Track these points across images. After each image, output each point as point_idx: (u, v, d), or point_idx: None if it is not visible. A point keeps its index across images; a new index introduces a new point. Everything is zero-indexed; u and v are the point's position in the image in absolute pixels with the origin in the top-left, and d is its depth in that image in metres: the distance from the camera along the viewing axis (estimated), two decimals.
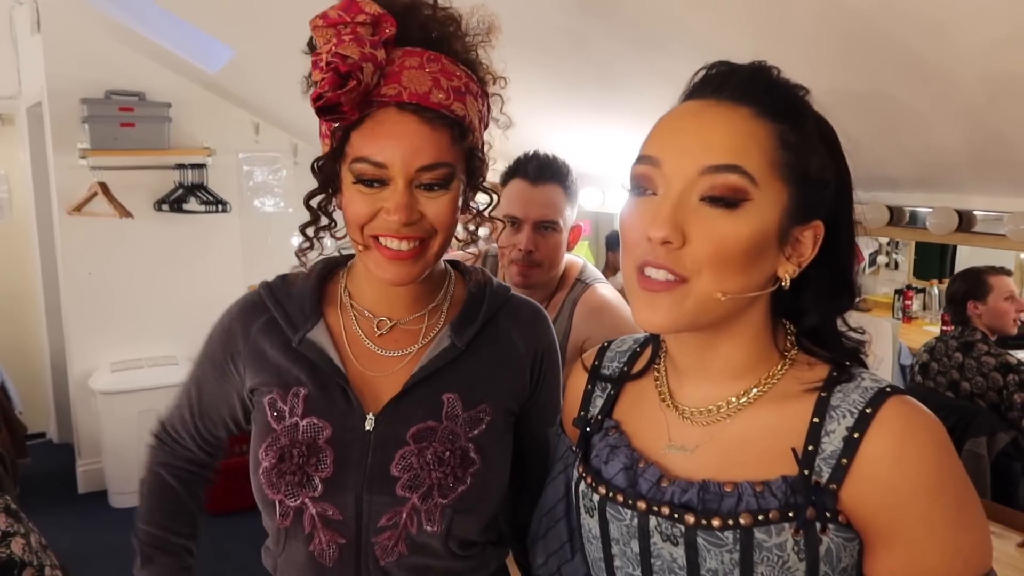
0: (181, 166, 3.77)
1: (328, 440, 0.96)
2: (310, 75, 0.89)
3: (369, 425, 0.97)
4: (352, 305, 1.04)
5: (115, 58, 3.65)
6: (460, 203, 0.95)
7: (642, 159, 0.74)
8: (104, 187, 3.59)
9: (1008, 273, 2.82)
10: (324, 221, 1.00)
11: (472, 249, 1.84)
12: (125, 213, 3.62)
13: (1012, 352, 2.73)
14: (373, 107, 0.88)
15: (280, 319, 1.02)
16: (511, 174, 1.65)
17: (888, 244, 4.61)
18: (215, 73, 3.36)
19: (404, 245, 0.91)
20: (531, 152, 1.65)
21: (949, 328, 2.81)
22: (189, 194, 3.79)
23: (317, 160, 0.96)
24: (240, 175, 4.02)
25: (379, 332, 1.02)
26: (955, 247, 4.15)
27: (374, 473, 0.95)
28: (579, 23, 1.48)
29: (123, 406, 3.62)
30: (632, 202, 0.75)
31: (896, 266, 4.79)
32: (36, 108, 3.91)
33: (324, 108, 0.85)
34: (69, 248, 3.75)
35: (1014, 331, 2.78)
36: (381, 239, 0.92)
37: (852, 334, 0.80)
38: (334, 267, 1.08)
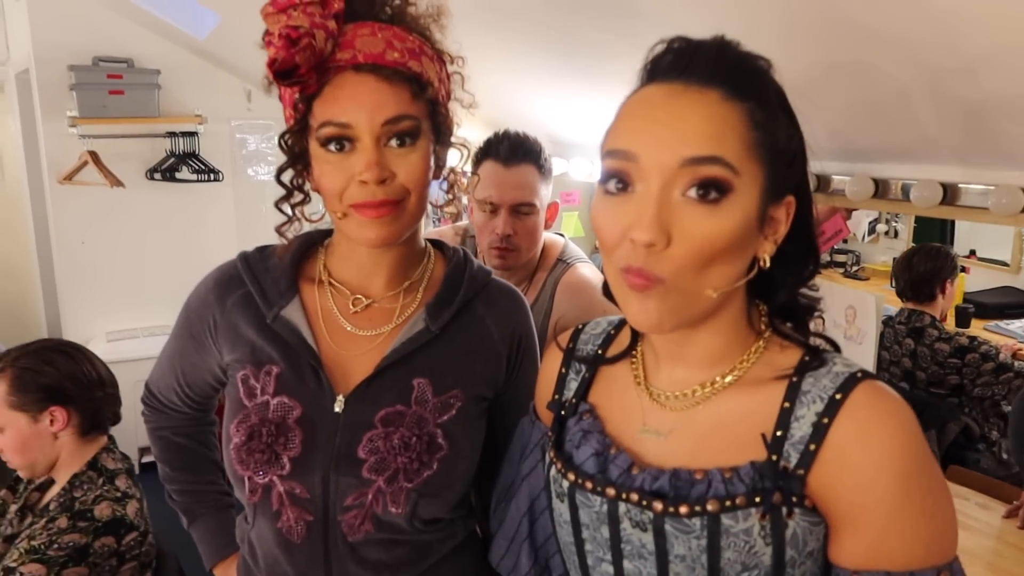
0: (172, 134, 3.73)
1: (297, 420, 0.96)
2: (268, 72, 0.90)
3: (339, 407, 0.97)
4: (329, 281, 1.03)
5: (102, 24, 3.59)
6: (432, 162, 0.95)
7: (615, 153, 0.71)
8: (94, 156, 3.56)
9: None
10: (299, 197, 1.00)
11: (461, 223, 1.83)
12: (116, 182, 3.59)
13: (960, 332, 2.71)
14: (330, 73, 0.89)
15: (256, 294, 1.02)
16: (483, 155, 1.62)
17: (888, 212, 4.59)
18: (203, 39, 3.31)
19: (382, 211, 0.92)
20: (502, 132, 1.61)
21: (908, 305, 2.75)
22: (181, 163, 3.76)
23: (283, 135, 0.96)
24: (233, 143, 3.98)
25: (354, 310, 1.02)
26: None
27: (341, 454, 0.95)
28: None
29: (119, 376, 3.56)
30: (607, 200, 0.72)
31: (896, 234, 4.76)
32: (24, 75, 3.86)
33: (281, 73, 0.86)
34: (61, 217, 3.73)
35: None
36: (361, 209, 0.92)
37: (806, 291, 0.79)
38: (313, 243, 1.07)
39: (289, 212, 1.00)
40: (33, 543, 1.42)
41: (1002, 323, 3.58)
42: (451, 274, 1.05)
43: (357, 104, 0.88)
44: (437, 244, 1.11)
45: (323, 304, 1.02)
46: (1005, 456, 2.61)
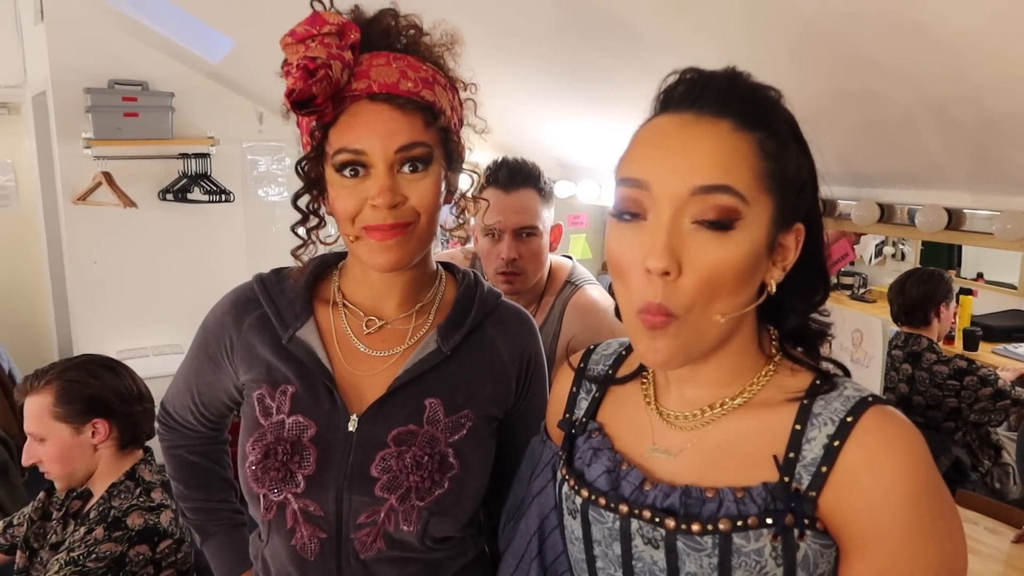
0: (185, 156, 3.78)
1: (312, 439, 0.98)
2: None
3: (352, 426, 0.98)
4: (344, 303, 1.05)
5: (118, 47, 3.64)
6: (443, 188, 0.98)
7: (628, 181, 0.73)
8: (108, 177, 3.61)
9: None
10: (314, 221, 1.02)
11: (470, 246, 1.86)
12: (129, 203, 3.63)
13: (961, 355, 2.70)
14: (346, 102, 0.92)
15: (271, 315, 1.04)
16: (484, 184, 1.65)
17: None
18: (217, 63, 3.36)
19: (389, 235, 0.94)
20: (500, 159, 1.64)
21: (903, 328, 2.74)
22: (193, 184, 3.80)
23: (300, 161, 0.98)
24: (244, 164, 4.02)
25: (367, 331, 1.04)
26: None
27: (354, 473, 0.97)
28: (570, 16, 1.47)
29: None
30: (621, 228, 0.73)
31: (903, 257, 4.76)
32: (41, 97, 3.92)
33: (299, 103, 0.88)
34: (74, 237, 3.77)
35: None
36: (372, 231, 0.94)
37: (818, 316, 0.80)
38: (327, 265, 1.10)
39: (304, 236, 1.02)
40: (72, 554, 1.46)
41: (1010, 346, 3.57)
42: (462, 296, 1.06)
43: (371, 132, 0.91)
44: (448, 267, 1.13)
45: (337, 325, 1.04)
46: (998, 486, 2.59)
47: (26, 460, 1.61)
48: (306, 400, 1.00)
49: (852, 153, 1.33)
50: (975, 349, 3.54)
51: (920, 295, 2.62)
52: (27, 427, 1.59)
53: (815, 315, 0.80)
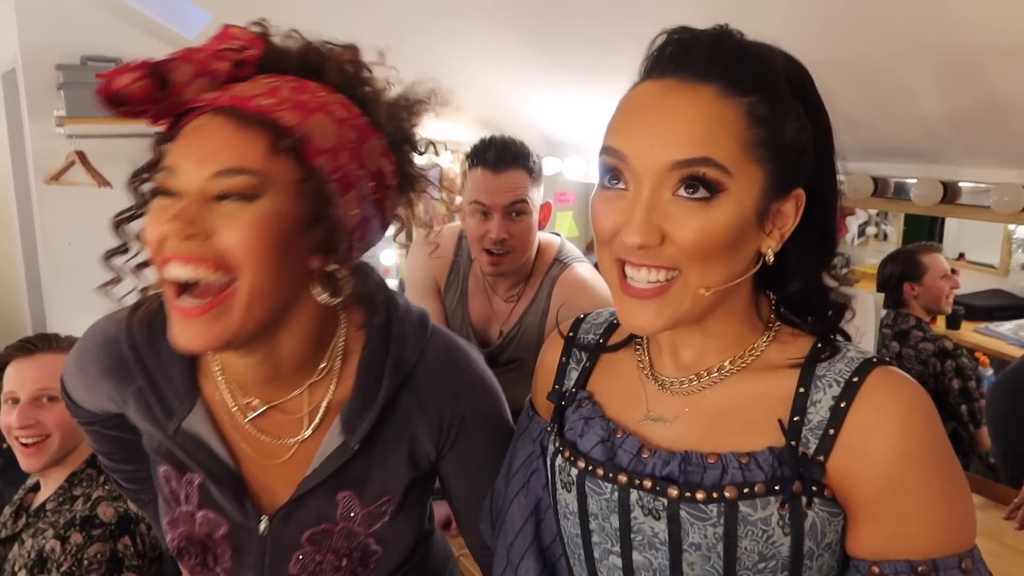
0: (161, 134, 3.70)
1: (225, 536, 0.91)
2: None
3: (263, 528, 0.91)
4: (224, 380, 0.89)
5: (91, 23, 3.56)
6: (280, 236, 0.74)
7: (608, 151, 0.71)
8: (82, 156, 3.53)
9: (939, 250, 2.75)
10: (137, 253, 0.84)
11: (457, 223, 1.82)
12: (103, 182, 3.55)
13: (948, 337, 2.71)
14: (191, 116, 0.76)
15: (152, 399, 0.88)
16: (472, 163, 1.62)
17: (877, 215, 4.59)
18: (193, 38, 3.28)
19: (188, 272, 0.73)
20: (488, 138, 1.61)
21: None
22: None
23: (133, 175, 0.82)
24: None
25: (250, 416, 0.89)
26: (943, 217, 4.16)
27: (272, 572, 0.92)
28: None
29: None
30: (603, 193, 0.72)
31: (885, 237, 4.77)
32: (11, 75, 3.82)
33: (111, 97, 0.73)
34: (48, 218, 3.69)
35: (948, 310, 2.74)
36: (167, 266, 0.74)
37: (841, 290, 0.78)
38: None
39: (116, 270, 0.88)
40: (63, 570, 1.37)
41: (992, 325, 3.60)
42: (368, 362, 0.88)
43: (191, 148, 0.74)
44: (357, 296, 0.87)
45: (227, 403, 0.90)
46: (992, 460, 2.61)
47: (23, 421, 1.47)
48: (214, 494, 0.90)
49: (846, 125, 1.31)
50: (957, 328, 3.56)
51: (887, 276, 2.63)
52: (43, 383, 1.47)
53: (837, 290, 0.78)
